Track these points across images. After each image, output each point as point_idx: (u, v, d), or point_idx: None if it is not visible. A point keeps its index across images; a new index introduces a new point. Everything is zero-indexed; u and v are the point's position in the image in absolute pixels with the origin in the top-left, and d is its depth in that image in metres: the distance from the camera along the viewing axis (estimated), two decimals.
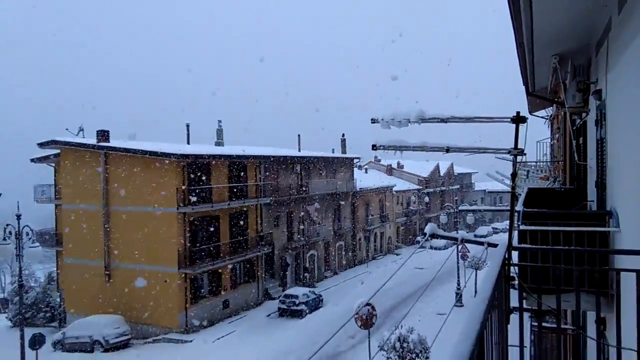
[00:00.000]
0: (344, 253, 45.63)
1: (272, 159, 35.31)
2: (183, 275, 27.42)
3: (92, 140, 30.25)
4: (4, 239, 17.15)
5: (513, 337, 4.22)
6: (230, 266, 30.88)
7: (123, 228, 28.99)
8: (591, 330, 6.72)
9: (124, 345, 26.18)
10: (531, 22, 5.59)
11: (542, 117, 17.65)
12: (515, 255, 5.31)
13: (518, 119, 3.55)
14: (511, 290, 4.08)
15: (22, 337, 18.24)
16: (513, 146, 3.66)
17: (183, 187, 27.72)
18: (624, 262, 4.57)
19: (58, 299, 33.24)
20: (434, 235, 4.41)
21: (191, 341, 26.19)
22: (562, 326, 7.20)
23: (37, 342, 18.60)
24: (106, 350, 25.44)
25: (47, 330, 28.92)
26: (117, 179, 29.27)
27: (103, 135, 29.80)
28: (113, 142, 29.82)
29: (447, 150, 4.15)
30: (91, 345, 25.65)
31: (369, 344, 17.49)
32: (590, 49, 7.47)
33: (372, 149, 4.98)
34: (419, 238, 60.84)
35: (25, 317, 22.77)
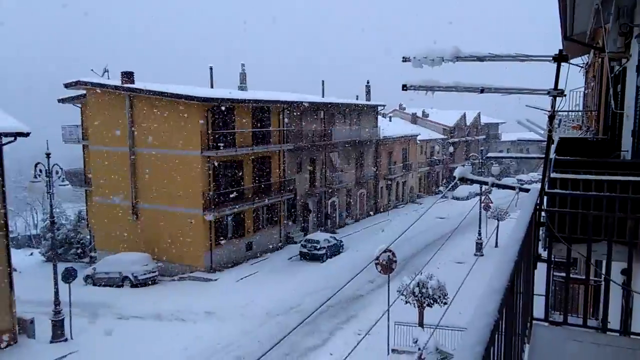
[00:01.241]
0: (365, 201, 45.88)
1: (295, 104, 35.01)
2: (207, 217, 28.05)
3: (117, 81, 30.32)
4: (35, 177, 17.67)
5: (537, 285, 4.20)
6: (253, 210, 31.43)
7: (149, 170, 29.52)
8: (617, 280, 6.66)
9: (151, 282, 27.32)
10: None
11: (577, 65, 16.91)
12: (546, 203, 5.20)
13: (560, 58, 3.36)
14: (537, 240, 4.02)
15: (55, 271, 19.13)
16: (553, 87, 3.50)
17: (207, 131, 27.84)
18: None
19: (88, 237, 34.57)
20: (463, 179, 4.32)
21: (216, 280, 27.16)
22: (589, 278, 7.15)
23: (69, 275, 19.50)
24: (134, 286, 26.62)
25: (78, 265, 30.25)
26: (142, 121, 29.52)
27: (128, 76, 29.78)
28: (138, 84, 29.84)
29: (482, 90, 3.99)
30: (120, 280, 26.85)
31: (388, 288, 17.84)
32: None
33: (403, 89, 4.83)
34: (441, 188, 60.60)
35: (57, 252, 23.80)
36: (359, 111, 44.00)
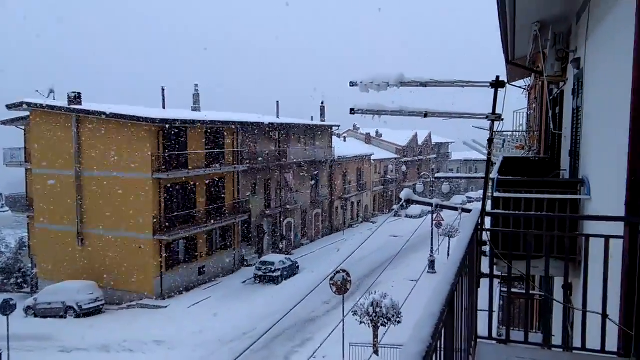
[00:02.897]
0: (321, 221, 45.93)
1: (250, 125, 34.87)
2: (158, 242, 27.25)
3: (64, 103, 29.27)
4: None
5: (482, 302, 4.29)
6: (206, 233, 30.79)
7: (96, 193, 28.49)
8: (558, 295, 6.91)
9: (97, 311, 26.10)
10: None
11: (520, 87, 17.76)
12: (488, 222, 5.37)
13: (497, 84, 3.50)
14: (482, 257, 4.12)
15: None
16: (492, 111, 3.63)
17: (158, 153, 27.24)
18: (593, 228, 4.65)
19: (30, 265, 32.77)
20: (409, 201, 4.40)
21: (166, 307, 26.27)
22: (531, 292, 7.39)
23: (8, 307, 18.34)
24: (79, 316, 25.34)
25: (19, 296, 28.59)
26: (90, 143, 28.55)
27: (75, 97, 28.85)
28: (85, 106, 28.92)
29: (426, 115, 4.10)
30: (64, 311, 25.49)
31: (343, 309, 17.80)
32: (571, 17, 7.43)
33: (350, 112, 4.89)
34: (395, 206, 61.62)
35: None
36: (313, 131, 44.31)
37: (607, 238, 3.46)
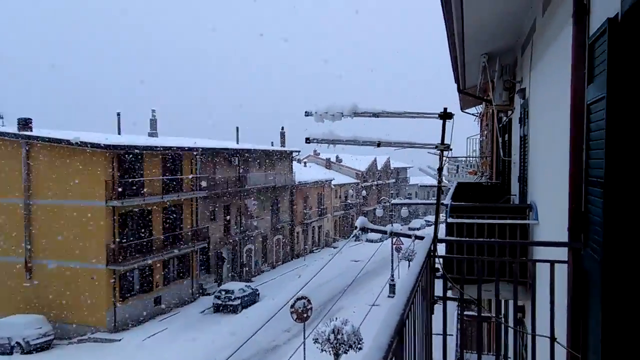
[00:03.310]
0: (282, 247, 45.55)
1: (209, 151, 34.52)
2: (112, 272, 26.28)
3: (12, 129, 28.19)
4: None
5: (439, 326, 4.33)
6: (163, 262, 29.94)
7: (47, 222, 27.31)
8: (512, 318, 7.07)
9: (46, 347, 24.72)
10: (462, 23, 5.75)
11: (472, 114, 18.40)
12: (443, 247, 5.47)
13: (445, 115, 3.62)
14: (437, 280, 4.18)
15: None
16: (440, 142, 3.74)
17: (112, 180, 26.49)
18: (541, 253, 4.81)
19: None
20: (364, 229, 4.44)
21: (120, 340, 25.18)
22: (484, 314, 7.54)
23: None
24: (27, 353, 23.90)
25: None
26: (40, 171, 27.49)
27: (25, 123, 27.85)
28: (36, 132, 27.94)
29: (379, 144, 4.18)
30: (9, 347, 24.00)
31: (304, 337, 17.56)
32: (517, 49, 7.82)
33: (306, 141, 4.93)
34: (355, 231, 61.84)
35: None
36: (274, 157, 44.28)
37: (552, 263, 3.57)
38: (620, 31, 2.46)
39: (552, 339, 3.48)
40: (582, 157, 3.15)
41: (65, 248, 26.76)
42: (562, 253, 3.65)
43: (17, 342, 24.00)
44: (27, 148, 27.52)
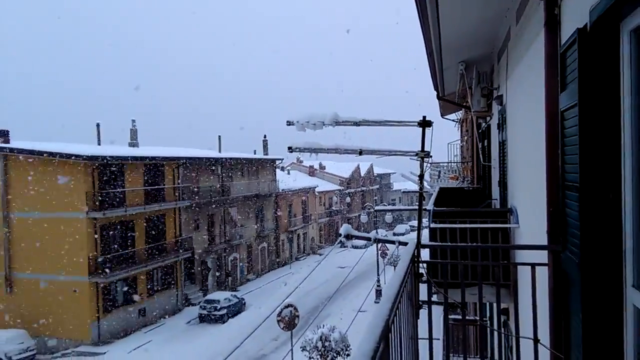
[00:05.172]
0: (267, 255, 45.35)
1: (191, 160, 34.31)
2: (94, 284, 25.88)
3: None
4: None
5: (425, 330, 4.38)
6: (146, 273, 29.58)
7: (26, 235, 26.81)
8: (497, 321, 7.17)
9: None
10: (439, 31, 5.87)
11: (452, 120, 18.63)
12: (427, 252, 5.55)
13: (424, 123, 3.70)
14: (422, 285, 4.23)
15: None
16: (420, 149, 3.82)
17: (93, 191, 26.16)
18: (523, 256, 4.92)
19: None
20: (348, 236, 4.49)
21: (104, 353, 24.74)
22: (469, 318, 7.62)
23: None
24: None
25: None
26: (18, 183, 27.01)
27: (2, 135, 27.39)
28: (14, 144, 27.50)
29: (360, 152, 4.24)
30: None
31: (292, 345, 17.49)
32: (493, 57, 7.98)
33: (288, 150, 4.98)
34: (340, 238, 61.84)
35: None
36: (256, 165, 44.18)
37: (533, 265, 3.65)
38: (589, 41, 2.56)
39: (536, 340, 3.55)
40: (557, 161, 3.23)
41: (46, 261, 26.30)
42: (542, 256, 3.74)
43: None
44: (4, 160, 27.07)
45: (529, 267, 3.68)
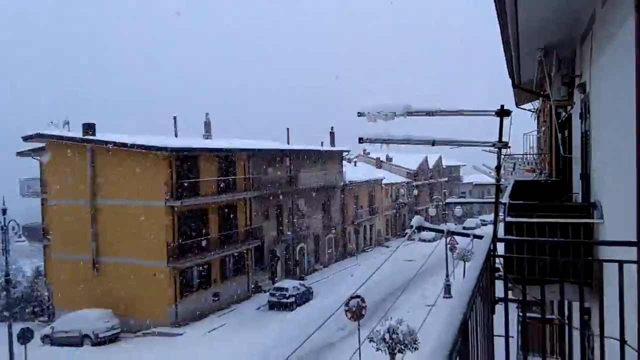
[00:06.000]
0: (333, 246, 45.74)
1: (261, 152, 35.21)
2: (172, 269, 27.34)
3: (77, 133, 29.90)
4: None
5: (500, 327, 4.28)
6: (219, 259, 30.84)
7: (111, 222, 28.79)
8: (577, 320, 6.83)
9: (113, 339, 26.09)
10: (516, 15, 5.62)
11: (529, 110, 17.78)
12: (502, 246, 5.38)
13: (502, 112, 3.58)
14: (497, 281, 4.13)
15: (10, 332, 18.11)
16: (498, 139, 3.71)
17: (171, 181, 27.56)
18: (607, 253, 4.64)
19: (46, 294, 32.98)
20: (420, 228, 4.45)
21: (182, 334, 26.16)
22: (548, 316, 7.32)
23: (25, 336, 18.45)
24: (96, 345, 25.33)
25: (36, 324, 28.70)
26: (103, 173, 29.01)
27: (89, 128, 29.46)
28: (99, 136, 29.51)
29: (433, 143, 4.18)
30: (80, 339, 25.53)
31: (359, 336, 17.60)
32: (575, 42, 7.52)
33: (359, 141, 5.00)
34: (407, 230, 61.15)
35: (13, 311, 22.57)
36: (324, 157, 44.53)
37: (620, 263, 3.46)
38: None
39: (622, 341, 3.37)
40: None
41: (129, 246, 28.09)
42: (630, 252, 3.53)
43: (86, 335, 25.48)
44: (91, 152, 29.12)
45: (616, 264, 3.49)
